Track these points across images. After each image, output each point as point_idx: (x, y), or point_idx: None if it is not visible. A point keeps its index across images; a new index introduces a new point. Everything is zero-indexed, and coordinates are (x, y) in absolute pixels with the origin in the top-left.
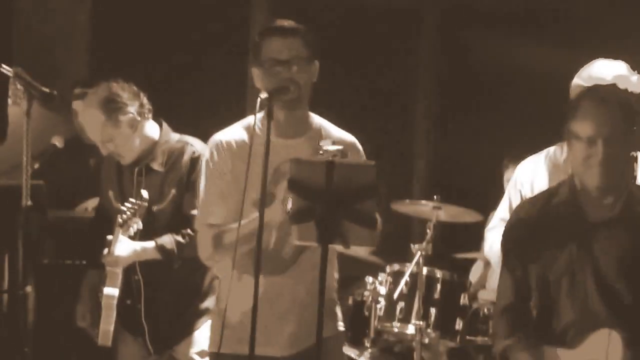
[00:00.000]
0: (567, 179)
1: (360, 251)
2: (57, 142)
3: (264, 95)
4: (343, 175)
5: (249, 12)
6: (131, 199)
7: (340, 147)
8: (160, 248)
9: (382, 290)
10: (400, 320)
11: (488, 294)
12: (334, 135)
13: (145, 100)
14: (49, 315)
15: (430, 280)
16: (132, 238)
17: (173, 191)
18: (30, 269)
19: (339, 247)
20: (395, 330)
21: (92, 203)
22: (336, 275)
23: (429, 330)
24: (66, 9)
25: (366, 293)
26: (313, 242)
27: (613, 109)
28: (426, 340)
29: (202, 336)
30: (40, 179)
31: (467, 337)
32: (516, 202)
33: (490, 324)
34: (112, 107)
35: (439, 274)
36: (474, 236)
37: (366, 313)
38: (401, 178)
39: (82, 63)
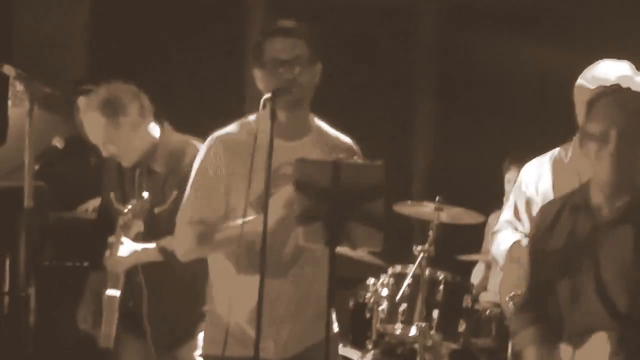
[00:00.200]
0: (585, 183)
1: (361, 252)
2: (58, 143)
3: (266, 95)
4: (350, 176)
5: (246, 12)
6: (133, 201)
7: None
8: (162, 250)
9: (384, 291)
10: (402, 322)
11: (489, 296)
12: (333, 138)
13: (146, 101)
14: (49, 317)
15: (433, 282)
16: (134, 240)
17: (175, 192)
18: (31, 270)
19: (343, 249)
20: (398, 332)
21: (92, 204)
22: None
23: (431, 332)
24: (65, 9)
25: (368, 295)
26: (319, 244)
27: (627, 108)
28: (429, 342)
29: None
30: (41, 181)
31: (470, 339)
32: (521, 204)
33: (493, 326)
34: (113, 109)
35: (441, 275)
36: (475, 237)
37: (367, 315)
38: (401, 179)
39: (81, 63)
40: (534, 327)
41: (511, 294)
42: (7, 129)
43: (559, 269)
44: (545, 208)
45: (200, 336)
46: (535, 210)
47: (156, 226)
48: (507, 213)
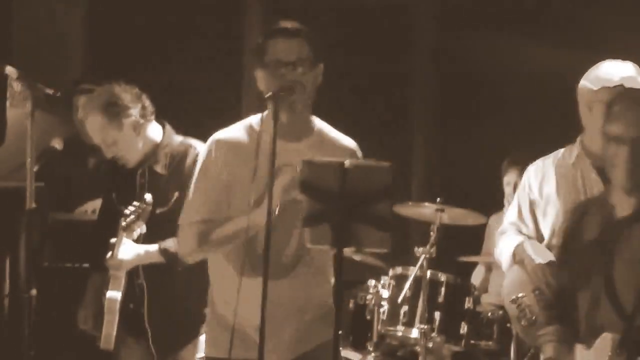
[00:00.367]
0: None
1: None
2: (57, 144)
3: (269, 96)
4: (357, 177)
5: (244, 12)
6: (135, 202)
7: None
8: (164, 251)
9: (385, 293)
10: (404, 324)
11: (490, 298)
12: (334, 140)
13: (147, 102)
14: (49, 318)
15: (434, 283)
16: (136, 241)
17: (176, 194)
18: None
19: (350, 251)
20: (399, 334)
21: (91, 205)
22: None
23: (433, 334)
24: (62, 10)
25: (368, 297)
26: (326, 246)
27: None
28: (430, 345)
29: None
30: (40, 182)
31: (472, 342)
32: (525, 206)
33: (495, 328)
34: (114, 110)
35: (443, 277)
36: (475, 239)
37: (368, 317)
38: (399, 180)
39: (78, 62)
40: (556, 325)
41: (514, 297)
42: (5, 130)
43: (583, 270)
44: (572, 209)
45: (202, 338)
46: (539, 213)
47: (158, 228)
48: (511, 215)
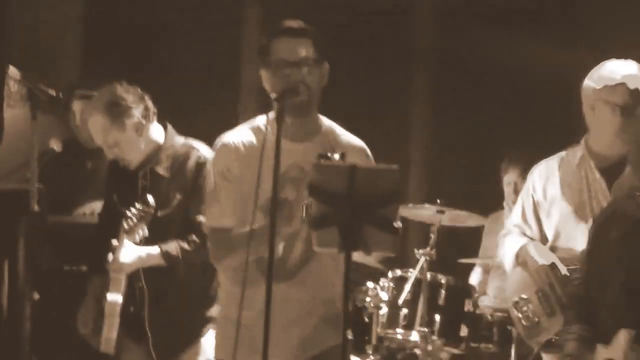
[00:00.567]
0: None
1: (358, 257)
2: (55, 145)
3: (274, 96)
4: (365, 180)
5: (241, 11)
6: (137, 205)
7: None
8: (165, 254)
9: (384, 296)
10: (403, 327)
11: (489, 301)
12: (343, 140)
13: (150, 103)
14: (47, 321)
15: (435, 286)
16: (137, 244)
17: (178, 196)
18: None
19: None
20: (399, 337)
21: (89, 207)
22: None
23: (433, 337)
24: (58, 9)
25: (367, 299)
26: (333, 249)
27: None
28: (429, 347)
29: (209, 344)
30: (38, 183)
31: (472, 344)
32: (529, 207)
33: (495, 331)
34: (117, 111)
35: (443, 279)
36: (474, 240)
37: (366, 319)
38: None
39: (74, 64)
40: (579, 324)
41: (517, 298)
42: (2, 131)
43: (606, 269)
44: (602, 211)
45: (204, 341)
46: (543, 214)
47: (159, 230)
48: (514, 217)
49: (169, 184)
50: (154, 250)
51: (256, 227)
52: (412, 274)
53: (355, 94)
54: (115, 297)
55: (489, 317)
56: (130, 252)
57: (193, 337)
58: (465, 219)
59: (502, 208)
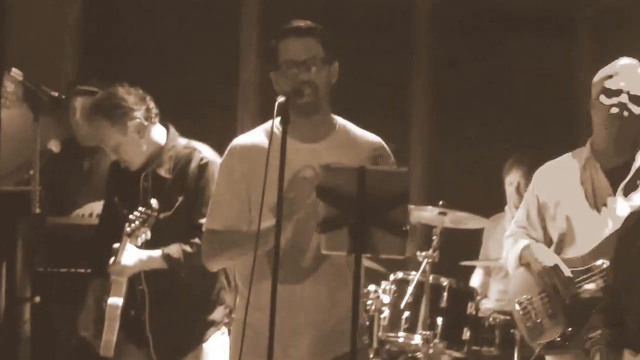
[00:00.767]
0: None
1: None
2: (54, 146)
3: (280, 98)
4: (375, 182)
5: (240, 10)
6: (140, 208)
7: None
8: (167, 257)
9: (386, 299)
10: (405, 330)
11: (490, 303)
12: (359, 138)
13: (151, 104)
14: (46, 324)
15: (437, 288)
16: (139, 247)
17: (180, 199)
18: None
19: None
20: (401, 340)
21: (88, 209)
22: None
23: (435, 340)
24: (56, 10)
25: (369, 302)
26: (342, 252)
27: None
28: (431, 351)
29: (210, 348)
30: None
31: (474, 348)
32: (533, 209)
33: (497, 334)
34: (118, 113)
35: (445, 282)
36: (477, 242)
37: (368, 323)
38: None
39: (72, 64)
40: (607, 329)
41: (520, 299)
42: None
43: (633, 274)
44: (627, 218)
45: (206, 346)
46: (547, 216)
47: (161, 232)
48: (519, 218)
49: (171, 185)
50: (156, 253)
51: (263, 227)
52: (414, 276)
53: (355, 96)
54: (116, 300)
55: (491, 320)
56: (132, 254)
57: (195, 341)
58: (467, 220)
59: (503, 210)
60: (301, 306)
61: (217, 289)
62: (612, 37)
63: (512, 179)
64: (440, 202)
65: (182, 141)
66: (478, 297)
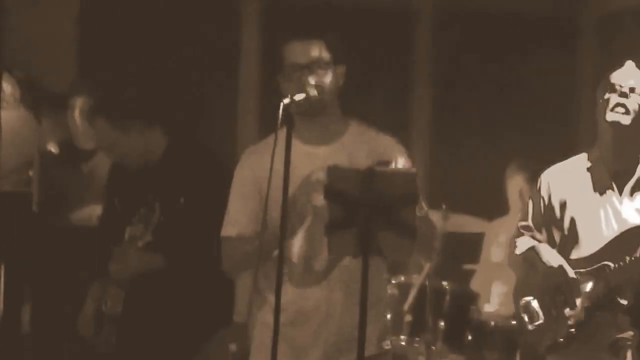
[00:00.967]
0: None
1: None
2: (53, 148)
3: (285, 100)
4: (382, 183)
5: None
6: (142, 210)
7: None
8: (168, 259)
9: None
10: (408, 334)
11: (492, 307)
12: (371, 137)
13: (153, 105)
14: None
15: (439, 292)
16: (140, 249)
17: (181, 200)
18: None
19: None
20: (403, 343)
21: (88, 211)
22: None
23: (438, 344)
24: (54, 10)
25: None
26: (348, 254)
27: None
28: (432, 355)
29: (211, 351)
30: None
31: (475, 352)
32: (539, 211)
33: (498, 338)
34: (119, 113)
35: (447, 285)
36: (479, 246)
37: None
38: None
39: (70, 65)
40: (635, 331)
41: (524, 300)
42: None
43: None
44: None
45: (207, 349)
46: (553, 217)
47: (162, 235)
48: (524, 219)
49: (172, 187)
50: (158, 255)
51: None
52: (417, 280)
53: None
54: (116, 303)
55: (493, 324)
56: (133, 256)
57: (196, 345)
58: (470, 224)
59: (505, 214)
60: (316, 311)
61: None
62: (615, 44)
63: (514, 183)
64: (443, 206)
65: (185, 142)
66: (480, 301)
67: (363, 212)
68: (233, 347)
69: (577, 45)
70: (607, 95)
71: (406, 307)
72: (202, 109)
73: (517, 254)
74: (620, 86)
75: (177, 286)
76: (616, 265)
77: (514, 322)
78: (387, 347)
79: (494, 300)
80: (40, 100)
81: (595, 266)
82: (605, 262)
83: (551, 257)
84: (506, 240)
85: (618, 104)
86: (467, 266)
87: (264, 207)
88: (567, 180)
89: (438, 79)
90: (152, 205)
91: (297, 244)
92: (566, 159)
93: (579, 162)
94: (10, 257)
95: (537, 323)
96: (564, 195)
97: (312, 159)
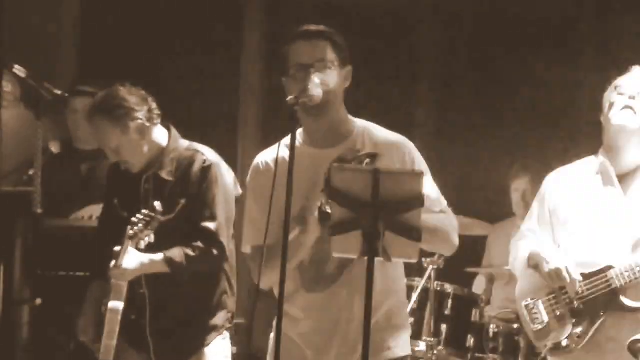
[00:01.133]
0: None
1: None
2: (53, 147)
3: (289, 100)
4: (388, 184)
5: (242, 15)
6: (144, 210)
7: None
8: (169, 261)
9: None
10: (410, 337)
11: (493, 310)
12: (379, 138)
13: (153, 105)
14: (44, 327)
15: (442, 295)
16: (141, 250)
17: (182, 201)
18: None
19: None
20: None
21: (87, 212)
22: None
23: (440, 347)
24: (54, 10)
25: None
26: (352, 255)
27: None
28: (434, 358)
29: (212, 353)
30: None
31: (478, 355)
32: (543, 214)
33: (500, 341)
34: (120, 113)
35: (450, 288)
36: (482, 249)
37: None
38: None
39: (70, 65)
40: None
41: (527, 301)
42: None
43: None
44: None
45: (207, 351)
46: (557, 221)
47: (163, 236)
48: (529, 222)
49: (173, 188)
50: (158, 256)
51: (290, 239)
52: (419, 283)
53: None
54: (116, 305)
55: (495, 327)
56: (133, 258)
57: (196, 346)
58: (473, 227)
59: (508, 217)
60: (328, 314)
61: (219, 294)
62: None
63: (517, 185)
64: None
65: (184, 143)
66: (482, 304)
67: (368, 213)
68: (234, 349)
69: (578, 46)
70: (613, 99)
71: (409, 309)
72: (202, 109)
73: (520, 256)
74: (627, 90)
75: (178, 286)
76: (619, 267)
77: (516, 326)
78: (402, 353)
79: (496, 303)
80: (40, 100)
81: (599, 267)
82: (609, 264)
83: (555, 258)
84: (509, 243)
85: (625, 107)
86: (470, 269)
87: (269, 211)
88: (573, 182)
89: (441, 80)
90: (154, 206)
91: (306, 249)
92: (570, 161)
93: (585, 165)
94: (10, 257)
95: (540, 325)
96: (569, 197)
97: (317, 162)
